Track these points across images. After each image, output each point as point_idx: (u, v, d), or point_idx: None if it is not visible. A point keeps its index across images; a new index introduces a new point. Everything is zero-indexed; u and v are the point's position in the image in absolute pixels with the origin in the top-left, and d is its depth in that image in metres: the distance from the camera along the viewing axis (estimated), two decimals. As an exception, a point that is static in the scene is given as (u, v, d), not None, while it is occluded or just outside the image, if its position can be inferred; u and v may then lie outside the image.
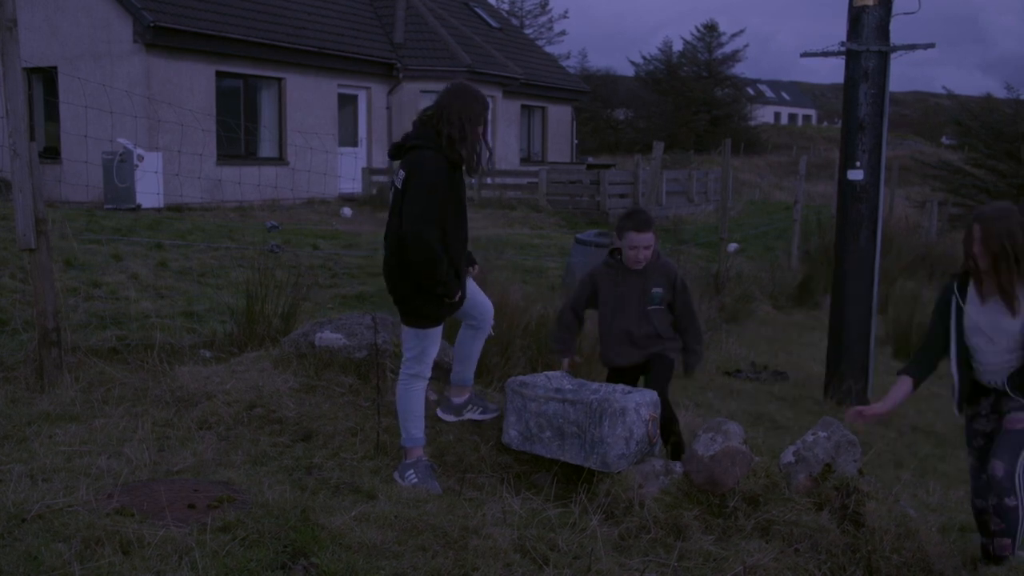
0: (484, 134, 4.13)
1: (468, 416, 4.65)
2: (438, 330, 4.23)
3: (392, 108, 22.82)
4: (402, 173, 4.06)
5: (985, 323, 4.01)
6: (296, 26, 20.37)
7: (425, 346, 4.20)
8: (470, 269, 4.42)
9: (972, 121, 26.16)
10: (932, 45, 7.52)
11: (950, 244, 20.46)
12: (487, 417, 4.67)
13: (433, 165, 3.97)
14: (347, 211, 17.81)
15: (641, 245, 4.61)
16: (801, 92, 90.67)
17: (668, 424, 4.71)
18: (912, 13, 7.20)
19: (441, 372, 5.01)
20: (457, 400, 4.65)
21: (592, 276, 4.89)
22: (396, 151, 4.15)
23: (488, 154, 4.19)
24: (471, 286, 4.39)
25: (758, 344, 9.27)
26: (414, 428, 4.22)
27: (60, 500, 3.32)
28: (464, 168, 4.10)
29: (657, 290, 4.70)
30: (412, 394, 4.22)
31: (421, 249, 3.93)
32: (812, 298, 12.11)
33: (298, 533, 3.15)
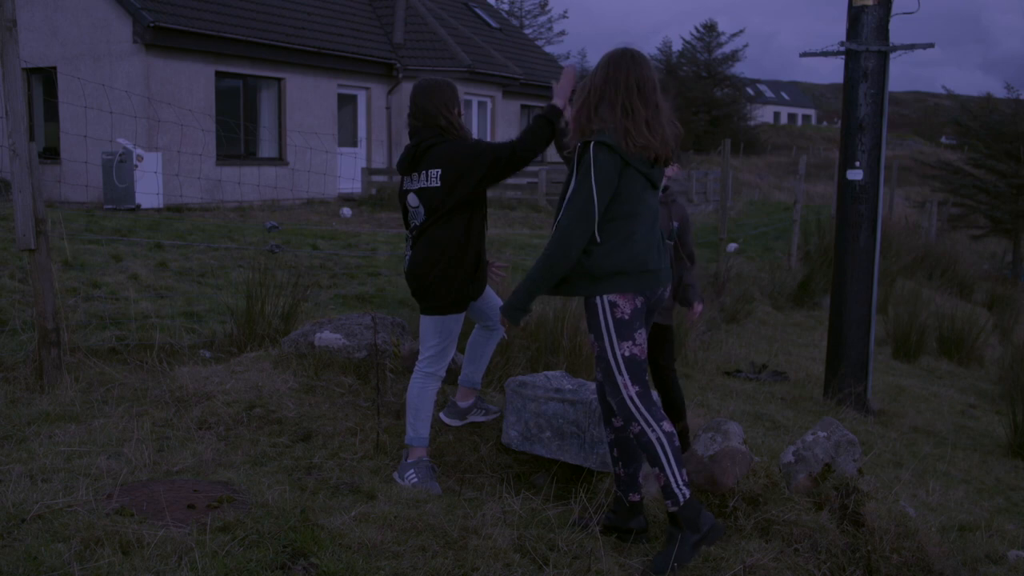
0: (460, 114, 4.24)
1: (472, 419, 4.66)
2: (458, 327, 4.24)
3: (392, 108, 22.83)
4: (437, 171, 4.09)
5: None
6: (296, 26, 20.38)
7: (445, 345, 4.22)
8: (499, 271, 4.52)
9: (972, 121, 26.09)
10: (931, 45, 7.52)
11: (950, 244, 20.49)
12: (488, 418, 4.68)
13: (470, 143, 4.11)
14: (347, 211, 17.82)
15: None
16: (801, 92, 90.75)
17: (674, 407, 4.74)
18: (911, 13, 7.21)
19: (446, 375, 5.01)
20: (463, 404, 4.64)
21: None
22: (413, 161, 4.16)
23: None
24: (486, 288, 4.43)
25: (758, 344, 9.27)
26: (422, 427, 4.22)
27: (60, 500, 3.32)
28: None
29: (675, 224, 4.79)
30: (426, 393, 4.22)
31: (528, 142, 4.03)
32: (812, 298, 12.11)
33: (298, 533, 3.15)
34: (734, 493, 3.89)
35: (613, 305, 3.39)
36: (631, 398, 3.41)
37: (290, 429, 4.53)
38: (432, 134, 4.13)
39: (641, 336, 3.44)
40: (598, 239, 3.40)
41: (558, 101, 4.02)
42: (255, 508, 3.37)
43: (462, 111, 4.24)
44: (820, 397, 7.42)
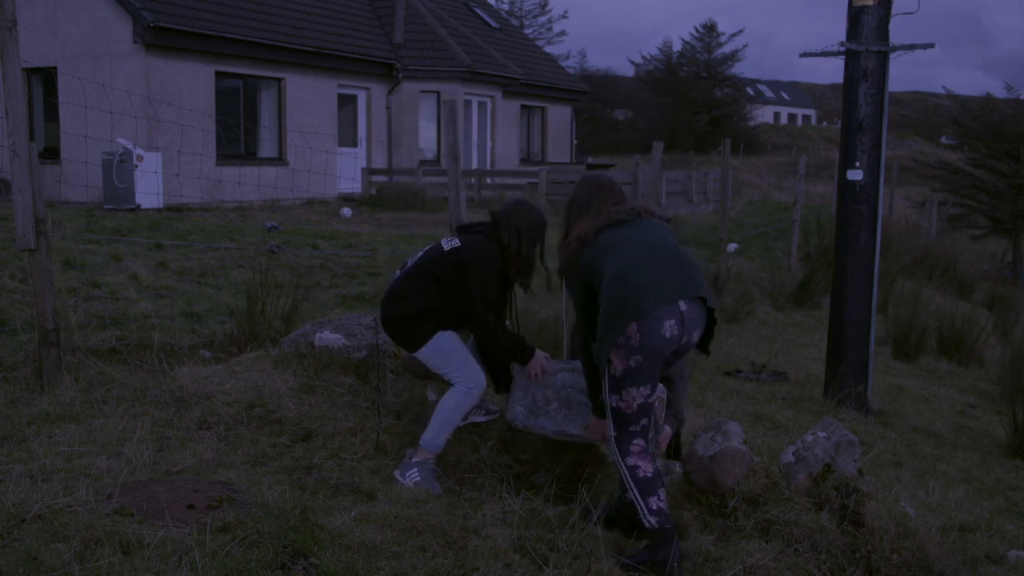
0: (541, 252, 4.40)
1: (472, 419, 4.65)
2: (452, 343, 4.26)
3: (392, 108, 22.83)
4: (456, 242, 4.30)
5: None
6: (296, 26, 20.38)
7: (458, 360, 4.24)
8: None
9: (972, 121, 26.06)
10: (931, 45, 7.52)
11: (950, 244, 20.48)
12: (489, 419, 4.68)
13: (492, 260, 4.23)
14: (347, 211, 17.82)
15: None
16: (801, 92, 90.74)
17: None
18: (911, 13, 7.20)
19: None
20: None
21: None
22: (463, 227, 4.46)
23: (546, 272, 4.45)
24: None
25: (758, 344, 9.26)
26: (443, 437, 4.23)
27: (60, 500, 3.32)
28: (515, 278, 4.39)
29: None
30: (463, 408, 4.25)
31: (488, 334, 4.21)
32: (812, 298, 12.10)
33: (298, 533, 3.15)
34: (734, 493, 3.89)
35: (609, 362, 3.56)
36: (609, 436, 3.68)
37: (290, 429, 4.53)
38: (490, 224, 4.32)
39: (630, 395, 3.55)
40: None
41: (538, 359, 4.29)
42: (255, 508, 3.37)
43: (529, 248, 4.30)
44: (820, 397, 7.42)
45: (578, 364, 4.24)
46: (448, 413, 4.22)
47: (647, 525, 3.51)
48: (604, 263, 3.63)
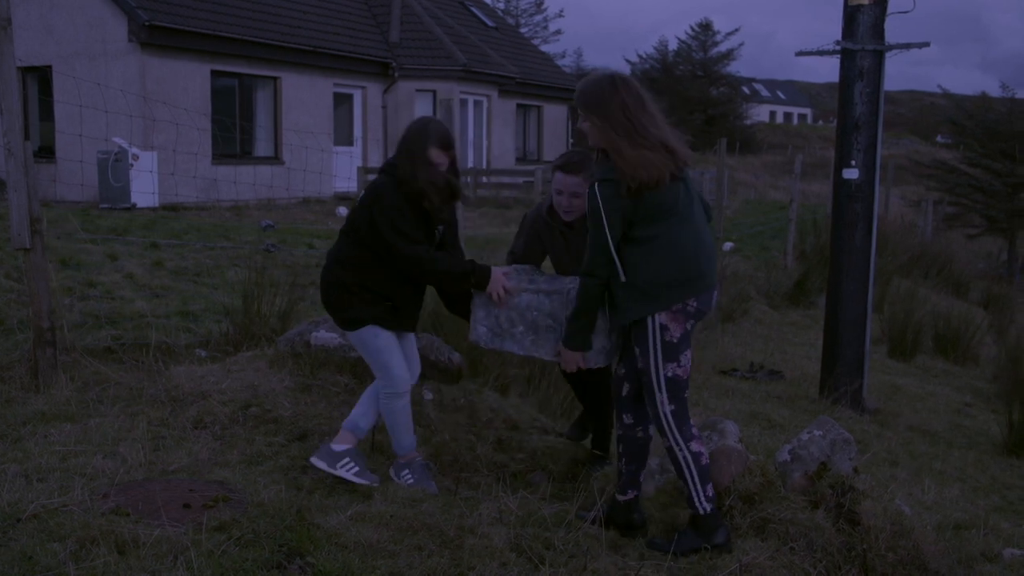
0: (453, 166, 3.98)
1: (340, 472, 3.92)
2: (380, 341, 3.97)
3: (388, 107, 22.81)
4: (363, 193, 4.04)
5: None
6: (292, 25, 20.36)
7: (382, 361, 3.98)
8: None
9: (967, 120, 26.05)
10: (927, 44, 7.53)
11: (945, 243, 20.52)
12: (360, 482, 3.93)
13: (389, 193, 3.91)
14: (343, 210, 17.80)
15: (567, 190, 4.12)
16: (797, 91, 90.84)
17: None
18: (907, 12, 7.21)
19: (435, 371, 5.00)
20: (337, 447, 3.97)
21: (535, 225, 4.42)
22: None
23: (447, 179, 3.96)
24: (410, 342, 4.22)
25: (754, 343, 9.27)
26: (404, 439, 4.09)
27: (55, 500, 3.31)
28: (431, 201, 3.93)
29: None
30: (396, 412, 4.03)
31: (412, 264, 3.89)
32: (808, 297, 12.12)
33: (294, 533, 3.15)
34: (730, 492, 3.89)
35: (664, 328, 3.50)
36: (666, 415, 3.58)
37: (286, 428, 4.53)
38: (390, 165, 4.01)
39: (686, 357, 3.56)
40: (638, 257, 3.49)
41: (496, 279, 3.91)
42: (251, 507, 3.37)
43: (424, 171, 3.87)
44: (816, 396, 7.42)
45: (542, 284, 3.97)
46: (388, 420, 4.06)
47: (702, 511, 3.55)
48: (663, 220, 3.46)
